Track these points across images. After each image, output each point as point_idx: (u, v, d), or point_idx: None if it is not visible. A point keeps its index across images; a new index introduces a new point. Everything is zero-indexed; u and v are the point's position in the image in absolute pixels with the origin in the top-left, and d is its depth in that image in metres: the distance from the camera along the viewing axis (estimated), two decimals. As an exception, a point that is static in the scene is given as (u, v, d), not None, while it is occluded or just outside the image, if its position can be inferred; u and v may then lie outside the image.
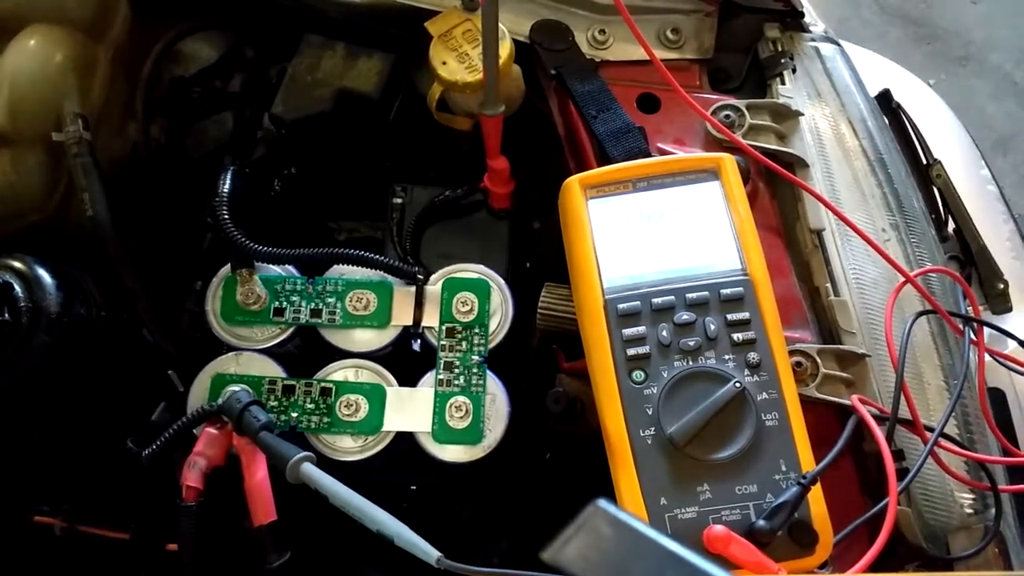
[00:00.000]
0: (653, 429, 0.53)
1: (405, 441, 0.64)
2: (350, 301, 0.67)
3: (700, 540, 0.49)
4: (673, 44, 0.78)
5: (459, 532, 0.75)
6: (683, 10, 0.79)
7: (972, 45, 2.25)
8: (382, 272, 0.67)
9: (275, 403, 0.64)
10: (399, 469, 0.68)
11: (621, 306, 0.56)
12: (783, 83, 0.76)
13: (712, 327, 0.55)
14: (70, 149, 0.73)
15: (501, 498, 0.75)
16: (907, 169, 0.77)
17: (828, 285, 0.67)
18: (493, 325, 0.67)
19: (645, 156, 0.65)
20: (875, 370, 0.63)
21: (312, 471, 0.55)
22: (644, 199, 0.60)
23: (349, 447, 0.64)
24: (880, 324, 0.64)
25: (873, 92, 0.82)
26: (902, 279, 0.62)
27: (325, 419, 0.64)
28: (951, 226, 0.81)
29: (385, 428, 0.64)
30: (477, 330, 0.66)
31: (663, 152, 0.71)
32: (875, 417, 0.55)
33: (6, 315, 0.63)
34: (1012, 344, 0.68)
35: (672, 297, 0.56)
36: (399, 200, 0.77)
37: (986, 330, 0.66)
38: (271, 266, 0.68)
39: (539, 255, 0.82)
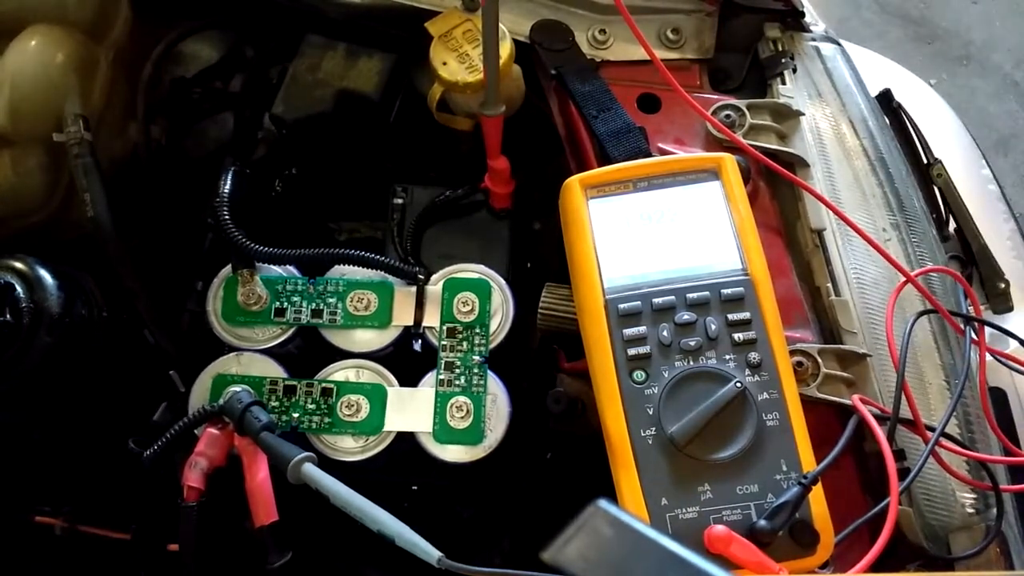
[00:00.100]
0: (654, 429, 0.53)
1: (406, 441, 0.64)
2: (351, 301, 0.67)
3: (701, 540, 0.49)
4: (673, 44, 0.78)
5: (460, 532, 0.75)
6: (683, 10, 0.79)
7: (972, 45, 2.25)
8: (383, 272, 0.67)
9: (276, 403, 0.64)
10: (400, 469, 0.68)
11: (622, 306, 0.56)
12: (783, 83, 0.76)
13: (713, 327, 0.55)
14: (71, 150, 0.73)
15: (502, 498, 0.75)
16: (908, 169, 0.77)
17: (829, 285, 0.67)
18: (494, 325, 0.67)
19: (646, 156, 0.65)
20: (876, 370, 0.63)
21: (313, 471, 0.55)
22: (645, 199, 0.60)
23: (350, 447, 0.64)
24: (881, 324, 0.64)
25: (874, 92, 0.82)
26: (903, 279, 0.62)
27: (326, 419, 0.64)
28: (952, 226, 0.81)
29: (386, 428, 0.64)
30: (478, 330, 0.66)
31: (664, 152, 0.71)
32: (876, 417, 0.55)
33: (8, 316, 0.63)
34: (1013, 343, 0.68)
35: (673, 297, 0.56)
36: (400, 200, 0.77)
37: (987, 330, 0.66)
38: (272, 266, 0.68)
39: (540, 255, 0.82)
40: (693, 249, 0.58)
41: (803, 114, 0.74)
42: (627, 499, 0.52)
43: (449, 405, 0.64)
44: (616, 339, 0.55)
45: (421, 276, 0.67)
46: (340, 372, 0.66)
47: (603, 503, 0.35)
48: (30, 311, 0.63)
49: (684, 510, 0.51)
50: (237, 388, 0.63)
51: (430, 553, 0.48)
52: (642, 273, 0.57)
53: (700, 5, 0.79)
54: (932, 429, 0.57)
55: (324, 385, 0.65)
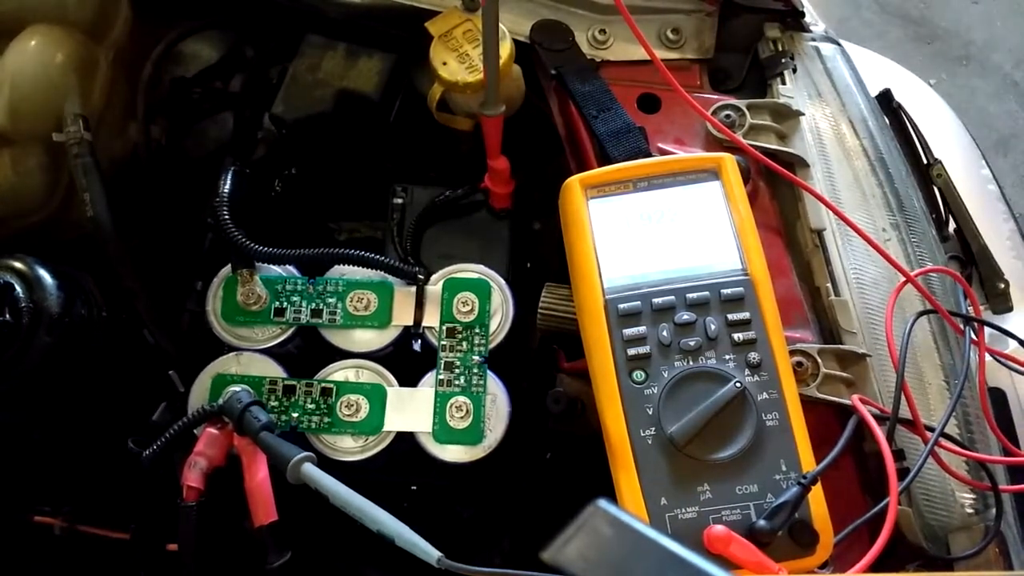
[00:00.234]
0: (653, 429, 0.53)
1: (406, 441, 0.64)
2: (351, 301, 0.67)
3: (700, 540, 0.49)
4: (673, 44, 0.78)
5: (460, 532, 0.75)
6: (683, 10, 0.79)
7: (972, 45, 2.25)
8: (383, 272, 0.67)
9: (276, 403, 0.64)
10: (400, 469, 0.68)
11: (621, 306, 0.56)
12: (783, 83, 0.76)
13: (712, 327, 0.55)
14: (71, 150, 0.73)
15: (502, 498, 0.75)
16: (907, 169, 0.77)
17: (828, 285, 0.67)
18: (493, 325, 0.67)
19: (646, 156, 0.65)
20: (875, 370, 0.63)
21: (313, 471, 0.55)
22: (645, 199, 0.60)
23: (350, 447, 0.64)
24: (880, 324, 0.64)
25: (874, 92, 0.82)
26: (903, 279, 0.62)
27: (326, 419, 0.64)
28: (952, 226, 0.81)
29: (386, 428, 0.64)
30: (477, 330, 0.66)
31: (664, 152, 0.71)
32: (875, 417, 0.55)
33: (7, 316, 0.63)
34: (1013, 344, 0.68)
35: (672, 297, 0.56)
36: (399, 200, 0.77)
37: (987, 330, 0.66)
38: (272, 266, 0.68)
39: (539, 255, 0.82)
40: (693, 249, 0.58)
41: (803, 114, 0.74)
42: (627, 499, 0.52)
43: (449, 405, 0.64)
44: (616, 339, 0.55)
45: (421, 276, 0.67)
46: (340, 372, 0.66)
47: (603, 503, 0.35)
48: (30, 311, 0.63)
49: (684, 510, 0.51)
50: (236, 388, 0.63)
51: (430, 553, 0.48)
52: (642, 273, 0.57)
53: (700, 5, 0.79)
54: (931, 429, 0.57)
55: (324, 385, 0.65)
